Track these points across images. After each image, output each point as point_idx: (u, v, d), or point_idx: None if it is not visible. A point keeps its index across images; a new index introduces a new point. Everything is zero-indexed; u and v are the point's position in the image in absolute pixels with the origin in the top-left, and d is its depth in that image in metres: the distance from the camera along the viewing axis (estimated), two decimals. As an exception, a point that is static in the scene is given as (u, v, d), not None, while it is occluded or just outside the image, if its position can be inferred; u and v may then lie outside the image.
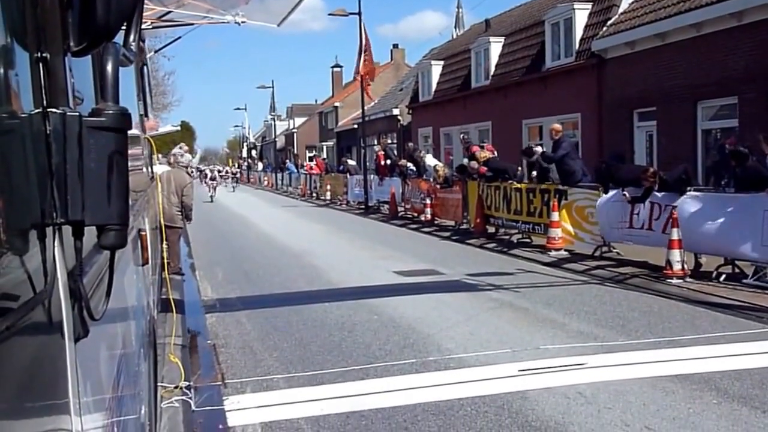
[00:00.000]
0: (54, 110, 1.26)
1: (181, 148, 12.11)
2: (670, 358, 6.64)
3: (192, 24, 10.00)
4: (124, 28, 1.56)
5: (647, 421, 5.08)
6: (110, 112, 1.30)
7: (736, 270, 10.27)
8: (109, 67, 1.36)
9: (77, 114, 1.28)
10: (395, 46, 58.82)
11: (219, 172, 50.66)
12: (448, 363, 6.70)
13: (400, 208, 22.95)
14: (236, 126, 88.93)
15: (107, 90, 1.34)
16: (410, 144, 25.72)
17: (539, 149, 15.82)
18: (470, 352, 7.01)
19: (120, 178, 1.30)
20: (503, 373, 6.33)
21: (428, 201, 20.06)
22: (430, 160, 21.79)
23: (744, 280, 9.88)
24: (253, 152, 72.76)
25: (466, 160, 17.81)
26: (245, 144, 77.80)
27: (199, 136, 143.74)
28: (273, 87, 58.47)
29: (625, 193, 11.72)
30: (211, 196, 36.53)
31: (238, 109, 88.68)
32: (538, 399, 5.63)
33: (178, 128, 30.29)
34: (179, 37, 12.75)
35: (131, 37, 1.65)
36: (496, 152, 17.58)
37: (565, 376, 6.18)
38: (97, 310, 1.50)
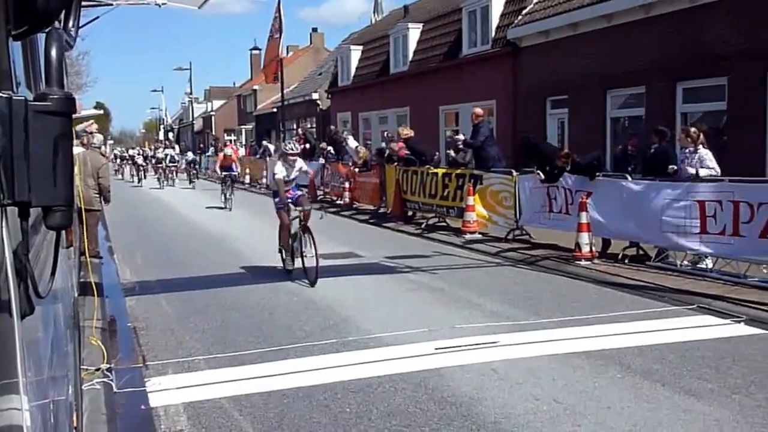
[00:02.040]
0: None
1: (90, 126, 11.69)
2: (577, 336, 6.99)
3: (111, 4, 9.75)
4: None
5: (556, 395, 5.37)
6: (55, 96, 1.34)
7: (641, 252, 10.84)
8: (54, 53, 1.39)
9: (23, 98, 1.31)
10: (314, 30, 58.42)
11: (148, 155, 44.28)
12: (367, 343, 6.86)
13: (319, 192, 22.98)
14: (153, 108, 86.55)
15: (52, 75, 1.38)
16: (332, 127, 25.78)
17: (461, 137, 16.16)
18: (388, 332, 7.20)
19: (65, 161, 1.35)
20: (420, 351, 6.53)
21: (347, 185, 20.20)
22: (352, 142, 21.94)
23: (648, 262, 10.44)
24: (170, 135, 71.05)
25: (384, 144, 18.09)
26: (162, 126, 75.88)
27: (114, 117, 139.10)
28: (191, 69, 57.19)
29: (538, 172, 12.23)
30: (139, 179, 35.85)
31: (155, 91, 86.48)
32: (454, 376, 5.86)
33: (101, 112, 29.34)
34: (97, 17, 12.40)
35: (71, 22, 1.66)
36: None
37: (479, 354, 6.44)
38: (43, 289, 1.55)
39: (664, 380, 5.67)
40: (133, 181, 37.54)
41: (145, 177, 36.73)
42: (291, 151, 10.26)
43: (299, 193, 10.55)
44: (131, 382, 5.82)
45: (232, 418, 5.09)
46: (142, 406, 5.36)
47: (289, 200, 10.26)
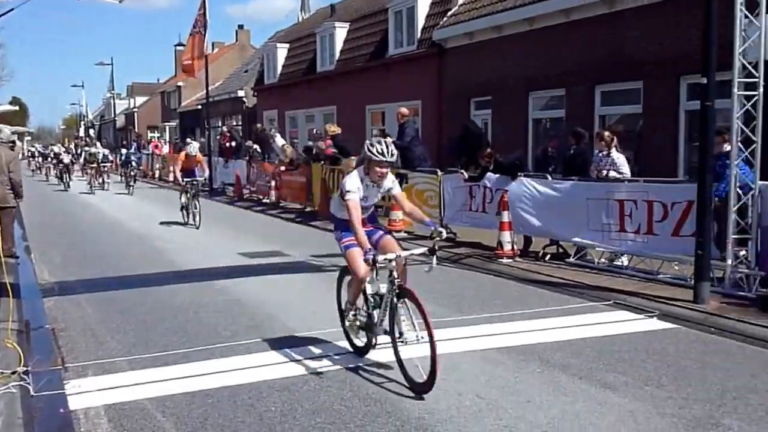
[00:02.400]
0: None
1: None
2: (500, 332, 7.15)
3: (25, -5, 9.39)
4: None
5: (478, 390, 5.49)
6: None
7: (560, 250, 11.16)
8: None
9: None
10: (240, 27, 57.85)
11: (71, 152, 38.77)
12: (292, 341, 6.85)
13: (245, 191, 22.75)
14: (73, 104, 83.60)
15: None
16: (259, 125, 25.55)
17: (389, 140, 16.21)
18: (314, 330, 7.20)
19: None
20: (345, 349, 6.56)
21: (273, 183, 20.07)
22: (279, 140, 21.81)
23: (567, 260, 10.76)
24: (91, 131, 68.95)
25: (311, 142, 18.08)
26: (83, 123, 73.53)
27: (32, 114, 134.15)
28: (112, 64, 55.59)
29: (462, 171, 12.47)
30: (66, 182, 29.57)
31: (76, 86, 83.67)
32: (378, 373, 5.91)
33: (16, 108, 27.76)
34: (12, 9, 11.93)
35: None
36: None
37: (403, 351, 6.49)
38: None
39: (582, 374, 5.87)
40: (58, 184, 30.87)
41: (71, 179, 30.18)
42: (383, 159, 5.78)
43: (381, 230, 6.49)
44: (49, 385, 5.65)
45: (154, 419, 5.01)
46: (61, 409, 5.21)
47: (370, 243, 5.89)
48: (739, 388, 5.53)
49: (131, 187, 26.50)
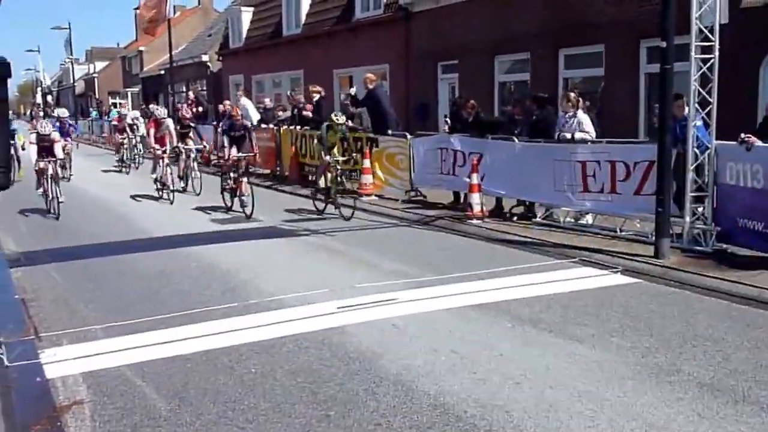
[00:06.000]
0: None
1: None
2: (471, 290, 7.34)
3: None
4: None
5: (453, 346, 5.66)
6: None
7: (528, 211, 11.37)
8: None
9: None
10: (202, -11, 56.54)
11: None
12: (268, 305, 6.95)
13: (213, 157, 22.54)
14: (28, 70, 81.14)
15: None
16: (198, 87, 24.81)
17: (362, 110, 16.09)
18: (289, 294, 7.30)
19: (1, 124, 1.39)
20: (322, 311, 6.69)
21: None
22: (245, 101, 21.53)
23: (534, 219, 10.97)
24: (49, 98, 67.33)
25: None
26: (39, 89, 71.72)
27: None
28: (70, 28, 54.04)
29: (447, 119, 12.96)
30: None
31: (31, 50, 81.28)
32: (356, 332, 6.06)
33: None
34: None
35: None
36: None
37: (380, 311, 6.67)
38: None
39: (551, 328, 6.08)
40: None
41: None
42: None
43: None
44: (24, 355, 5.67)
45: (134, 385, 5.08)
46: (38, 379, 5.25)
47: None
48: (698, 336, 5.79)
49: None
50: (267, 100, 22.44)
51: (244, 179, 12.97)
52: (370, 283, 7.66)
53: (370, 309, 6.72)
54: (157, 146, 15.29)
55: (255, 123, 20.08)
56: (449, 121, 13.00)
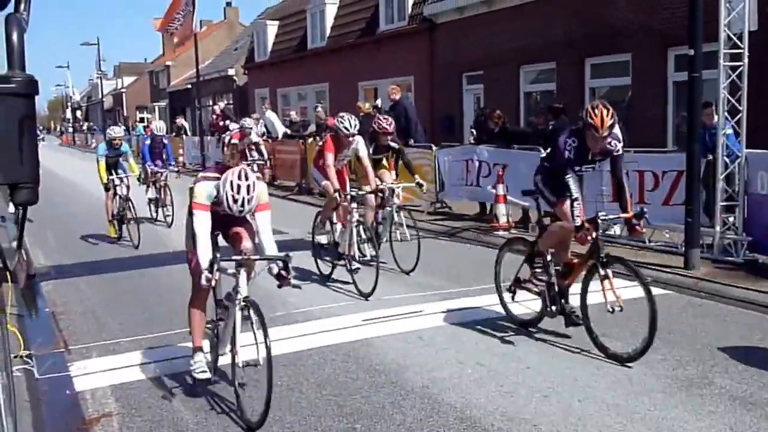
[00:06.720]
0: None
1: None
2: (496, 302, 7.24)
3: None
4: None
5: (479, 358, 5.62)
6: (19, 78, 1.40)
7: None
8: (15, 37, 1.44)
9: None
10: (228, 4, 57.20)
11: None
12: (295, 317, 6.96)
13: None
14: (58, 86, 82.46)
15: (14, 58, 1.43)
16: (221, 103, 25.03)
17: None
18: (315, 306, 7.31)
19: (30, 140, 1.41)
20: (348, 323, 6.68)
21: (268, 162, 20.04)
22: (270, 116, 21.70)
23: (561, 231, 10.87)
24: (78, 113, 68.35)
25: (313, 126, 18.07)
26: (69, 104, 72.84)
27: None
28: (98, 44, 54.95)
29: (473, 130, 12.76)
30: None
31: (61, 67, 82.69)
32: (382, 345, 6.04)
33: None
34: None
35: (22, 5, 1.69)
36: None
37: (405, 323, 6.64)
38: (12, 263, 1.60)
39: (579, 340, 6.00)
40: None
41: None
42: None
43: None
44: (54, 367, 5.71)
45: (162, 397, 5.11)
46: (67, 391, 5.29)
47: None
48: (729, 349, 5.69)
49: None
50: (293, 113, 22.58)
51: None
52: (395, 296, 7.64)
53: (395, 321, 6.70)
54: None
55: (280, 136, 20.24)
56: (475, 132, 12.96)
